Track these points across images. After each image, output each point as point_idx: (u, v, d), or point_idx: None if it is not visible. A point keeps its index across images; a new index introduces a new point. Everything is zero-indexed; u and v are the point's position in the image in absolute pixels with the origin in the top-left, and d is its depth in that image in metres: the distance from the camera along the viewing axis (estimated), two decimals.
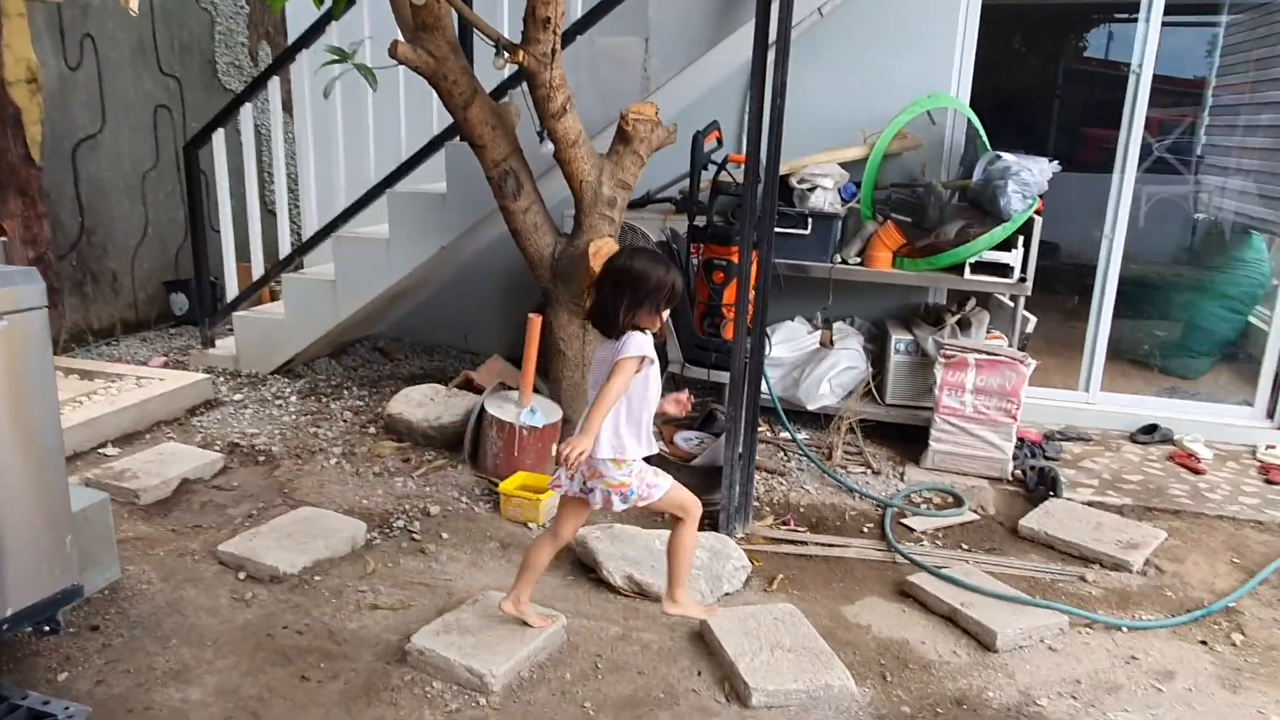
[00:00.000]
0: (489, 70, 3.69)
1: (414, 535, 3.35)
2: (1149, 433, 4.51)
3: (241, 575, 3.00)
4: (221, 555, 3.08)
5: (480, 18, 3.54)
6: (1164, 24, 4.35)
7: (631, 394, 2.50)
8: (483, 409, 3.88)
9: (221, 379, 4.98)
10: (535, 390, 3.94)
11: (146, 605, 2.82)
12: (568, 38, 4.25)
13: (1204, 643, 2.90)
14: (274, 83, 4.87)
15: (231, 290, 5.24)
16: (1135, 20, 4.43)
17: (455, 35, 3.65)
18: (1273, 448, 4.38)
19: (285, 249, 5.06)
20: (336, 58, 3.41)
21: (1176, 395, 4.92)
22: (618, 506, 2.58)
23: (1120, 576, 3.28)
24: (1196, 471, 4.15)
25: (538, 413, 3.82)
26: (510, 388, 4.08)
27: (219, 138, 4.99)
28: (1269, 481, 4.06)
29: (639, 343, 2.47)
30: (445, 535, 3.36)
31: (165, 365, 5.13)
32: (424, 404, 4.19)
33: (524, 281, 4.68)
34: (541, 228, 3.87)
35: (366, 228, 4.88)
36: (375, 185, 4.71)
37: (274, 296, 5.67)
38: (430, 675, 2.50)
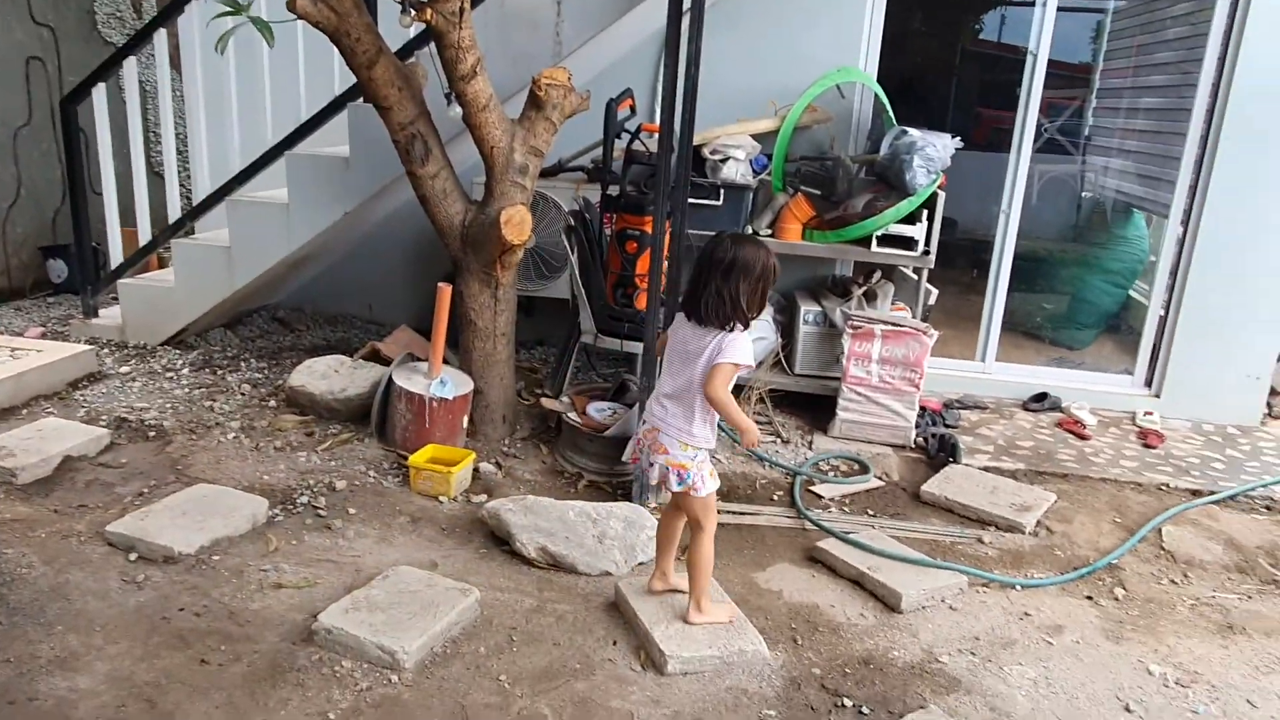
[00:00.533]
0: (395, 28, 3.54)
1: (319, 511, 3.24)
2: (1040, 401, 4.73)
3: (132, 557, 2.85)
4: (110, 536, 2.91)
5: None
6: (1059, 10, 4.50)
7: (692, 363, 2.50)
8: (390, 380, 3.78)
9: (106, 351, 4.70)
10: (445, 361, 3.85)
11: (28, 591, 2.64)
12: None
13: (1090, 598, 3.07)
14: (160, 36, 4.57)
15: (116, 257, 4.93)
16: (1032, 5, 4.58)
17: None
18: (1150, 414, 4.65)
19: (175, 213, 4.79)
20: (230, 10, 3.22)
21: (1064, 365, 5.17)
22: (674, 486, 2.55)
23: (1014, 538, 3.44)
24: (1082, 437, 4.37)
25: (448, 384, 3.74)
26: (419, 359, 3.98)
27: (100, 93, 4.66)
28: (1147, 446, 4.32)
29: (745, 349, 2.48)
30: (353, 511, 3.27)
31: (43, 336, 4.81)
32: (328, 376, 4.05)
33: (433, 249, 4.56)
34: (451, 194, 3.77)
35: (264, 192, 4.66)
36: (273, 147, 4.50)
37: (163, 264, 5.38)
38: (339, 654, 2.43)
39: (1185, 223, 4.66)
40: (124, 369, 4.47)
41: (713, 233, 4.26)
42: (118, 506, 3.16)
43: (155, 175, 5.32)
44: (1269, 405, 4.77)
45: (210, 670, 2.36)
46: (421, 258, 5.10)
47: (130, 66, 4.64)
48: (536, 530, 3.06)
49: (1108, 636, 2.85)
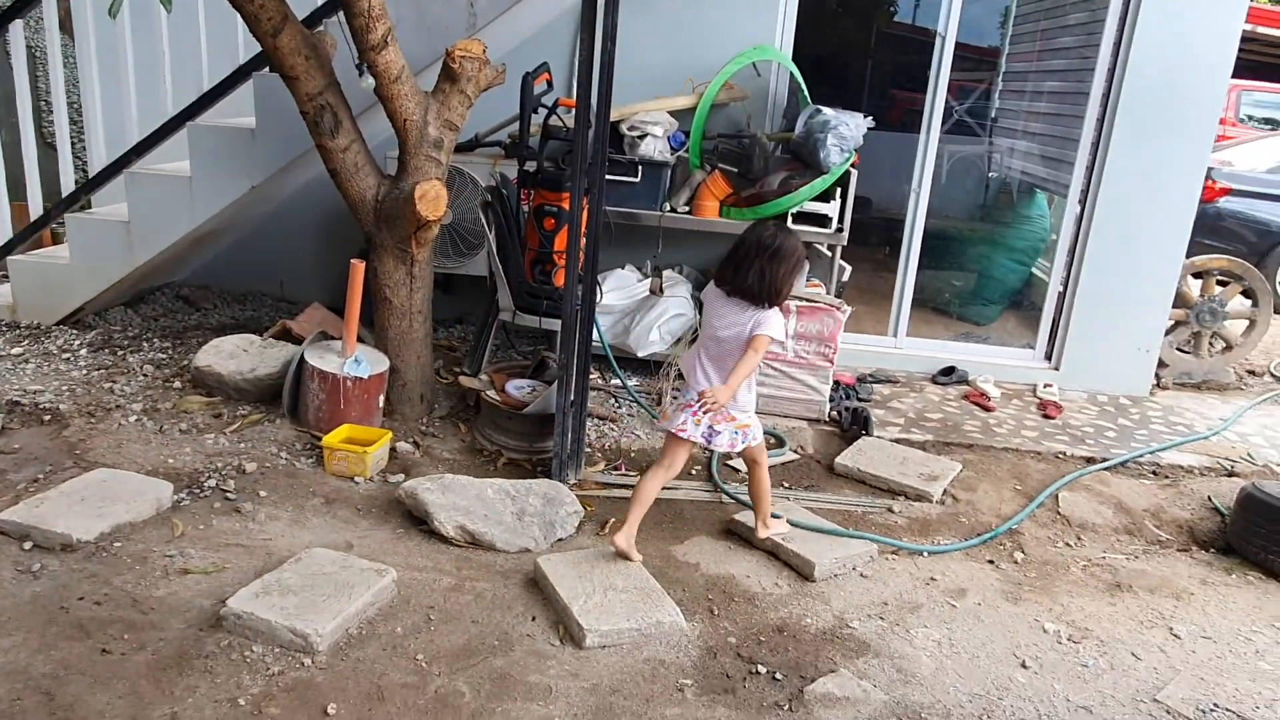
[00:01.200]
0: None
1: (228, 495, 3.15)
2: (948, 374, 4.89)
3: (27, 545, 2.73)
4: (2, 524, 2.78)
5: None
6: None
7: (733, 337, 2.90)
8: (303, 359, 3.69)
9: None
10: (360, 340, 3.78)
11: None
12: None
13: (991, 562, 3.22)
14: None
15: (4, 232, 4.67)
16: None
17: None
18: (1049, 386, 4.86)
19: (69, 186, 4.55)
20: None
21: (971, 340, 5.36)
22: (739, 445, 2.98)
23: (922, 506, 3.56)
24: (987, 409, 4.55)
25: (363, 363, 3.67)
26: (332, 337, 3.89)
27: None
28: (1046, 416, 4.52)
29: (778, 325, 2.88)
30: (264, 493, 3.19)
31: None
32: (236, 355, 3.92)
33: (347, 225, 4.44)
34: (363, 169, 3.68)
35: (165, 164, 4.47)
36: (173, 117, 4.31)
37: (56, 239, 5.11)
38: (249, 639, 2.38)
39: (1083, 203, 4.86)
40: (15, 350, 4.25)
41: (631, 209, 4.31)
42: (10, 493, 3.01)
43: (47, 146, 5.03)
44: (1157, 376, 5.03)
45: (112, 660, 2.29)
46: (335, 233, 4.97)
47: (16, 30, 4.37)
48: (455, 509, 3.04)
49: (1007, 598, 2.98)
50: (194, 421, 3.66)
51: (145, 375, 4.07)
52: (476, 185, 4.41)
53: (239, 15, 3.39)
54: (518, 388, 3.92)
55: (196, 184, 4.28)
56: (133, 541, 2.81)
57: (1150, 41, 4.50)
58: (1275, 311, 6.32)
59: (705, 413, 2.88)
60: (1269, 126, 10.34)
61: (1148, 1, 4.45)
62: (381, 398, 3.76)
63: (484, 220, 4.02)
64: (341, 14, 3.41)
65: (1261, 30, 11.07)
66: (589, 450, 3.77)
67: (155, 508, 2.98)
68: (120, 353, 4.32)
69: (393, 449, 3.60)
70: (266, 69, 3.98)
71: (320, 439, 3.47)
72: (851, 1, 8.48)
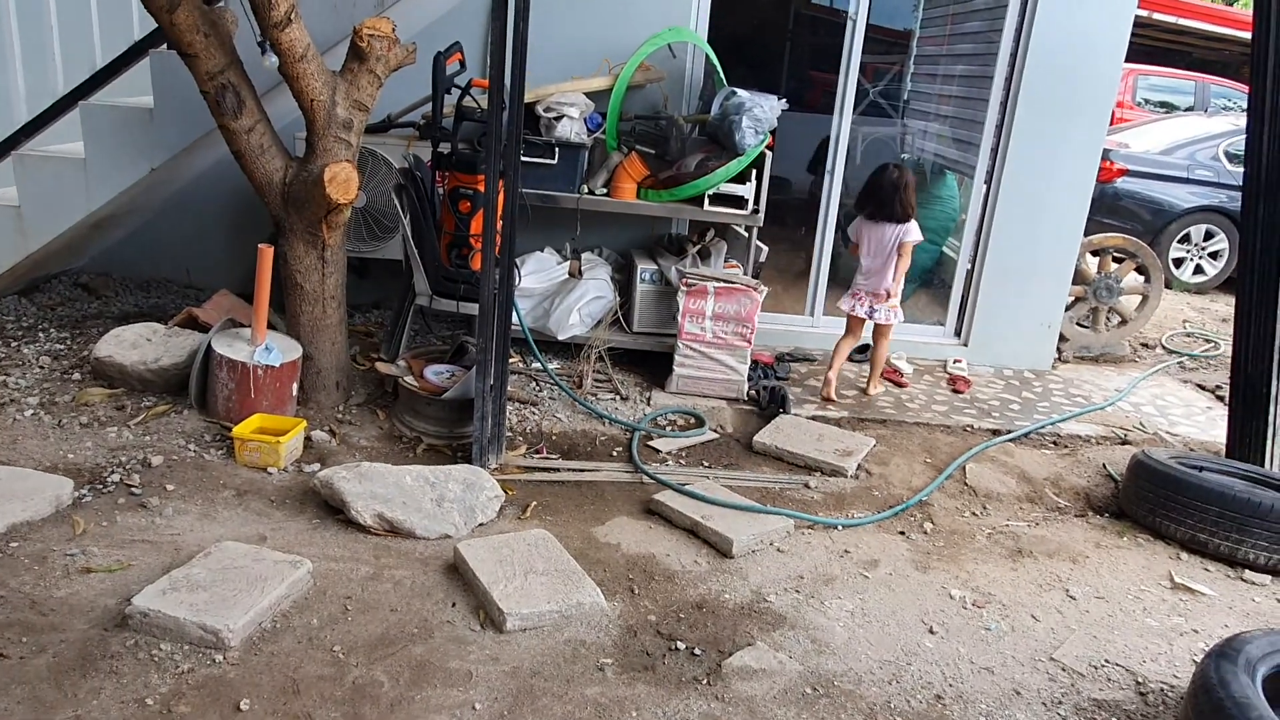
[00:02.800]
0: None
1: (133, 489, 3.05)
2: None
3: None
4: None
5: None
6: None
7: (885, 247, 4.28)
8: (210, 348, 3.58)
9: None
10: (271, 327, 3.68)
11: None
12: None
13: (902, 533, 3.33)
14: None
15: None
16: None
17: None
18: (959, 362, 5.03)
19: None
20: None
21: None
22: (893, 320, 4.36)
23: (837, 481, 3.66)
24: (900, 385, 4.69)
25: (274, 350, 3.57)
26: (241, 325, 3.78)
27: None
28: (955, 391, 4.68)
29: (917, 232, 4.24)
30: (171, 487, 3.10)
31: None
32: (139, 345, 3.78)
33: (255, 208, 4.31)
34: (269, 150, 3.57)
35: (57, 145, 4.26)
36: (65, 96, 4.11)
37: None
38: (157, 638, 2.32)
39: (989, 183, 5.02)
40: None
41: (548, 191, 4.29)
42: None
43: None
44: (1059, 350, 5.26)
45: (10, 664, 2.20)
46: (243, 217, 4.81)
47: None
48: (372, 497, 3.00)
49: (917, 567, 3.10)
50: (95, 414, 3.52)
51: (42, 367, 3.89)
52: (390, 167, 4.32)
53: None
54: (436, 373, 3.88)
55: (91, 166, 4.10)
56: (30, 541, 2.70)
57: (1048, 28, 4.66)
58: (1166, 287, 6.66)
59: (871, 297, 4.34)
60: (1164, 110, 10.82)
61: None
62: (295, 386, 3.68)
63: (398, 203, 3.95)
64: None
65: (1158, 17, 11.55)
66: (510, 434, 3.76)
67: (54, 505, 2.87)
68: (14, 344, 4.12)
69: (308, 438, 3.53)
70: (164, 46, 3.82)
71: (230, 430, 3.38)
72: None
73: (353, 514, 2.97)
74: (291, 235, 3.65)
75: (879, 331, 4.42)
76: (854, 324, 4.45)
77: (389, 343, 4.26)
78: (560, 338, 4.36)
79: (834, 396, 4.34)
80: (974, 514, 3.52)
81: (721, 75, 4.56)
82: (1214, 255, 7.66)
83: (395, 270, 4.52)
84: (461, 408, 3.65)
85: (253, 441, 3.31)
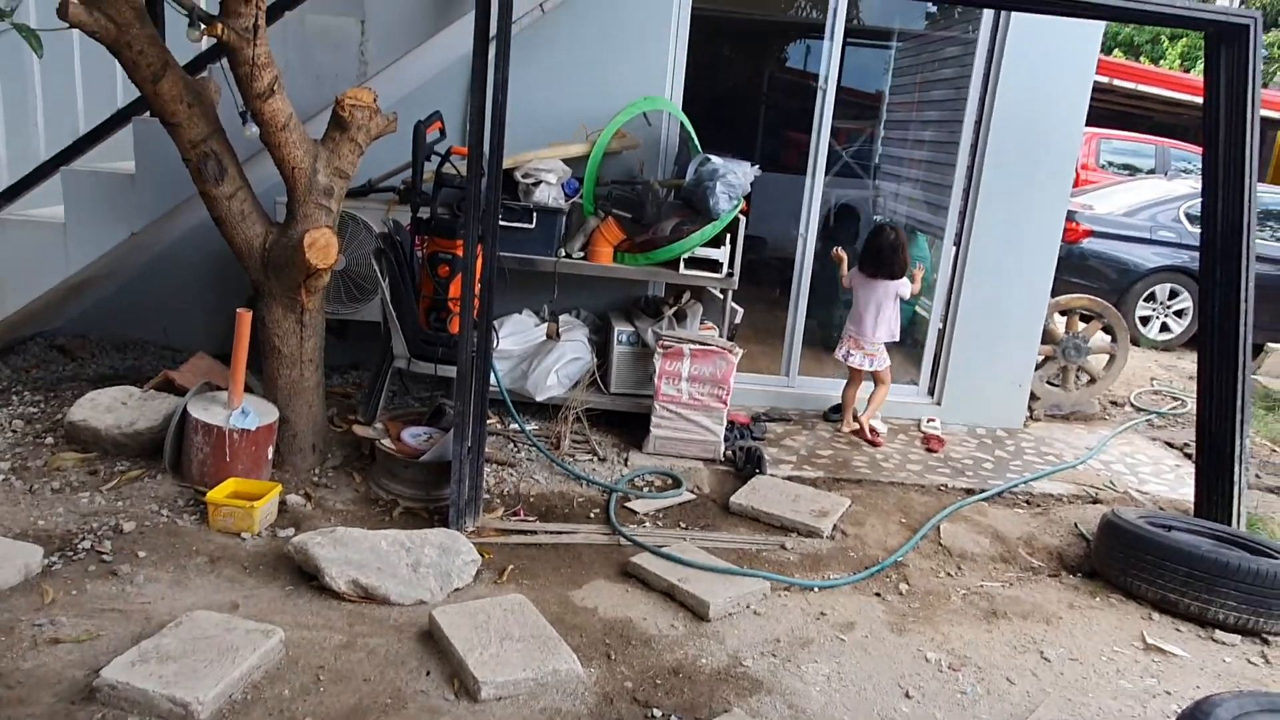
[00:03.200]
0: (184, 40, 3.37)
1: (104, 556, 3.02)
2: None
3: None
4: None
5: None
6: (847, 44, 4.88)
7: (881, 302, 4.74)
8: (185, 411, 3.57)
9: None
10: (248, 389, 3.69)
11: None
12: (274, 12, 4.01)
13: (878, 594, 3.34)
14: None
15: None
16: (823, 39, 4.94)
17: (142, 0, 3.29)
18: (933, 421, 5.10)
19: None
20: None
21: None
22: (878, 366, 4.78)
23: (813, 542, 3.68)
24: (874, 444, 4.74)
25: (250, 414, 3.57)
26: (218, 388, 3.78)
27: None
28: (929, 450, 4.73)
29: (907, 286, 4.73)
30: (142, 554, 3.06)
31: None
32: (114, 408, 3.77)
33: (235, 270, 4.33)
34: (250, 216, 3.61)
35: (37, 210, 4.30)
36: (46, 162, 4.15)
37: None
38: (125, 711, 2.28)
39: (958, 244, 5.15)
40: None
41: (526, 255, 4.36)
42: None
43: None
44: (1030, 409, 5.34)
45: None
46: (223, 279, 4.83)
47: None
48: (347, 562, 2.99)
49: (893, 629, 3.10)
50: (67, 479, 3.49)
51: (14, 431, 3.86)
52: (370, 231, 4.38)
53: (117, 60, 3.31)
54: (414, 435, 3.88)
55: (71, 231, 4.13)
56: None
57: (1011, 95, 4.83)
58: (1134, 344, 6.80)
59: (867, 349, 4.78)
60: (1127, 172, 11.15)
61: (1008, 60, 4.79)
62: (271, 449, 3.67)
63: (377, 267, 3.99)
64: (226, 60, 3.37)
65: (1118, 83, 11.97)
66: (487, 496, 3.76)
67: (23, 574, 2.83)
68: None
69: (283, 502, 3.52)
70: (148, 113, 3.89)
71: (204, 494, 3.36)
72: (744, 50, 8.81)
73: (327, 580, 2.94)
74: (270, 299, 3.67)
75: (878, 378, 4.85)
76: (855, 374, 4.89)
77: (366, 405, 4.26)
78: (538, 399, 4.38)
79: (855, 423, 4.87)
80: (949, 574, 3.54)
81: (696, 141, 4.67)
82: (1179, 313, 7.85)
83: (374, 332, 4.55)
84: (439, 470, 3.65)
85: (227, 506, 3.29)
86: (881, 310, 4.71)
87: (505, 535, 3.52)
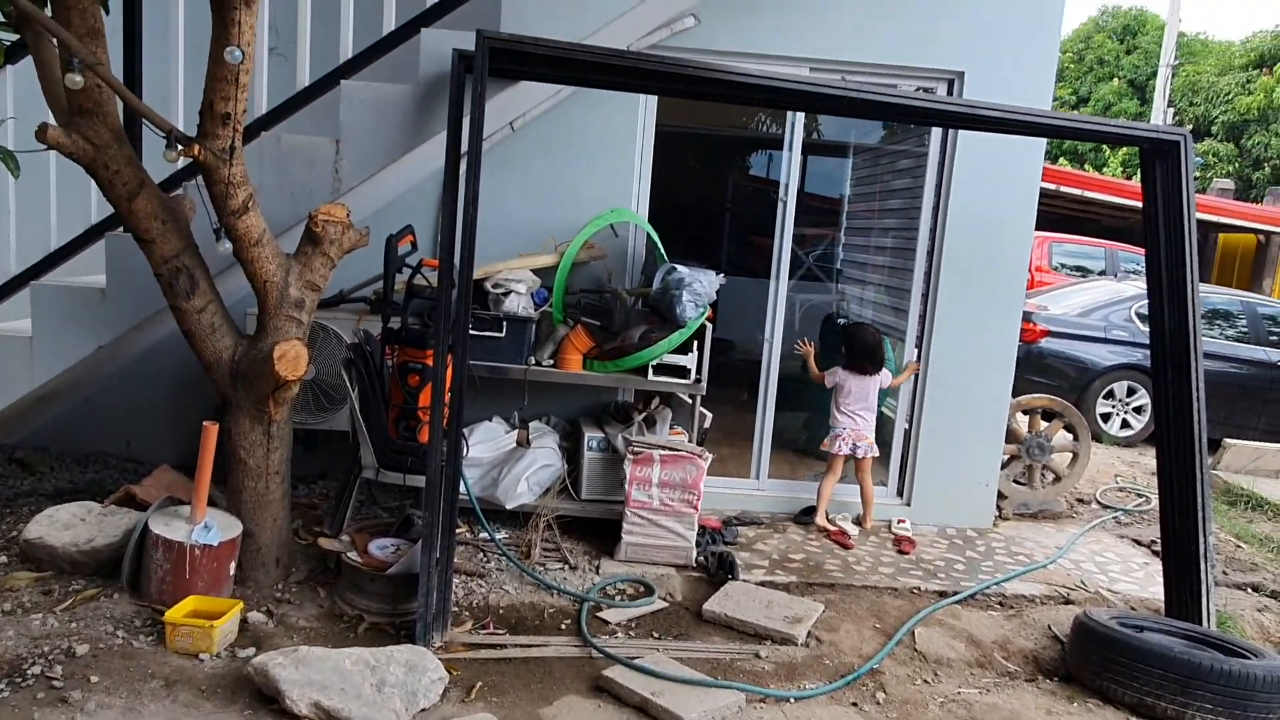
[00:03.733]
0: (161, 159, 3.45)
1: (54, 682, 2.89)
2: (808, 514, 5.07)
3: None
4: None
5: (150, 108, 3.32)
6: (807, 155, 5.10)
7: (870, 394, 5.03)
8: (146, 527, 3.50)
9: None
10: (212, 502, 3.62)
11: None
12: (252, 133, 4.13)
13: (855, 704, 3.28)
14: None
15: None
16: (783, 150, 5.16)
17: (120, 123, 3.38)
18: (903, 522, 5.11)
19: None
20: None
21: None
22: (867, 454, 5.00)
23: (788, 650, 3.63)
24: (846, 546, 4.73)
25: (213, 529, 3.51)
26: (181, 502, 3.71)
27: None
28: (901, 552, 4.73)
29: (889, 377, 5.06)
30: (95, 678, 2.95)
31: None
32: (72, 525, 3.68)
33: (201, 383, 4.32)
34: (220, 329, 3.63)
35: (4, 323, 4.28)
36: (16, 276, 4.17)
37: None
38: None
39: (920, 347, 5.27)
40: None
41: (497, 363, 4.40)
42: None
43: None
44: (999, 508, 5.38)
45: None
46: (188, 390, 4.80)
47: None
48: (309, 684, 2.89)
49: None
50: (19, 600, 3.38)
51: None
52: (340, 341, 4.41)
53: (93, 179, 3.38)
54: (381, 547, 3.82)
55: (38, 344, 4.12)
56: None
57: (963, 204, 5.04)
58: (1097, 441, 6.92)
59: (854, 436, 4.99)
60: (1079, 273, 11.56)
61: (958, 171, 5.01)
62: (233, 564, 3.59)
63: (347, 377, 4.00)
64: (201, 178, 3.44)
65: (1065, 189, 12.52)
66: (456, 609, 3.68)
67: None
68: None
69: (244, 620, 3.42)
70: (120, 229, 3.94)
71: (163, 614, 3.26)
72: (707, 161, 9.14)
73: (288, 704, 2.84)
74: (237, 411, 3.66)
75: (862, 466, 5.04)
76: (835, 463, 5.02)
77: (333, 516, 4.20)
78: (509, 507, 4.35)
79: (829, 525, 4.95)
80: (925, 681, 3.50)
81: (662, 251, 4.80)
82: (1138, 410, 8.02)
83: (342, 442, 4.52)
84: (406, 583, 3.58)
85: (185, 626, 3.19)
86: (870, 400, 5.03)
87: (474, 650, 3.44)
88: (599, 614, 3.79)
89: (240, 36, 3.09)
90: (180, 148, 3.27)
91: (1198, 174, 19.11)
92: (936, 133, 5.13)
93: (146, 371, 4.85)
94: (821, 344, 5.54)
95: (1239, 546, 5.34)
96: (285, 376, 3.51)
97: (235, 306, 3.98)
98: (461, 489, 3.81)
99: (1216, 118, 19.49)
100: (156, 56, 4.29)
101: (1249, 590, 4.65)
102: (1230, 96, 19.36)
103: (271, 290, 3.58)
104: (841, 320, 7.07)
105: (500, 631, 3.60)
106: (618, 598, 3.97)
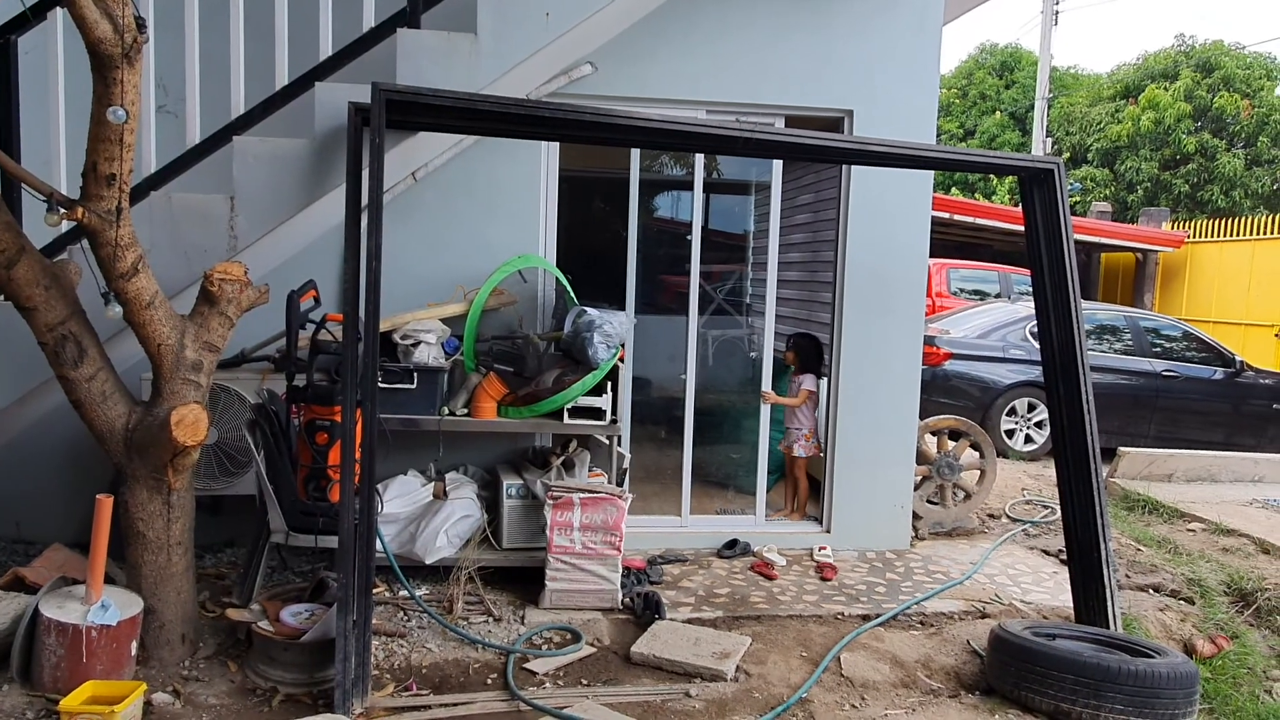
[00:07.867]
0: (42, 225, 3.31)
1: None
2: (732, 547, 5.10)
3: None
4: None
5: (28, 171, 3.20)
6: (710, 195, 5.20)
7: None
8: (37, 611, 3.29)
9: None
10: (110, 579, 3.44)
11: None
12: (141, 193, 4.01)
13: None
14: None
15: None
16: (690, 191, 5.26)
17: None
18: (824, 549, 5.18)
19: None
20: None
21: (750, 511, 5.64)
22: (808, 452, 5.50)
23: (717, 686, 3.62)
24: (770, 577, 4.76)
25: (110, 608, 3.32)
26: (75, 581, 3.51)
27: None
28: (824, 579, 4.79)
29: (813, 381, 5.57)
30: None
31: None
32: None
33: (93, 455, 4.12)
34: (111, 397, 3.48)
35: None
36: None
37: None
38: None
39: (828, 375, 5.40)
40: None
41: (409, 415, 4.32)
42: None
43: None
44: (915, 529, 5.51)
45: None
46: (81, 464, 4.57)
47: None
48: None
49: None
50: None
51: None
52: (243, 402, 4.27)
53: None
54: (294, 614, 3.68)
55: None
56: None
57: (860, 236, 5.22)
58: (1003, 456, 7.18)
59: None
60: (976, 297, 12.05)
61: (854, 203, 5.20)
62: (134, 644, 3.40)
63: (251, 440, 3.87)
64: (86, 241, 3.32)
65: (959, 218, 13.08)
66: (376, 672, 3.56)
67: None
68: None
69: (148, 702, 3.24)
70: (1, 297, 3.75)
71: (58, 703, 3.06)
72: (611, 203, 9.23)
73: None
74: (134, 481, 3.49)
75: (805, 466, 5.52)
76: (802, 463, 5.54)
77: (241, 585, 4.03)
78: (428, 561, 4.25)
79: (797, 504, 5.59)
80: (853, 706, 3.53)
81: (572, 294, 4.82)
82: (1039, 425, 8.35)
83: (249, 506, 4.35)
84: (322, 649, 3.45)
85: (83, 714, 3.00)
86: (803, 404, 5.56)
87: (397, 714, 3.33)
88: (526, 665, 3.72)
89: (124, 95, 3.01)
90: (62, 211, 3.15)
91: (1077, 198, 20.26)
92: (833, 168, 5.31)
93: (34, 446, 4.60)
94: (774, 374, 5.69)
95: (1139, 550, 5.58)
96: (184, 442, 3.37)
97: (129, 372, 3.82)
98: (378, 547, 3.71)
99: (1091, 145, 20.71)
100: (36, 117, 4.14)
101: (1150, 591, 4.86)
102: (1102, 125, 20.62)
103: (166, 354, 3.45)
104: (796, 334, 7.21)
105: (424, 692, 3.50)
106: (544, 647, 3.91)
